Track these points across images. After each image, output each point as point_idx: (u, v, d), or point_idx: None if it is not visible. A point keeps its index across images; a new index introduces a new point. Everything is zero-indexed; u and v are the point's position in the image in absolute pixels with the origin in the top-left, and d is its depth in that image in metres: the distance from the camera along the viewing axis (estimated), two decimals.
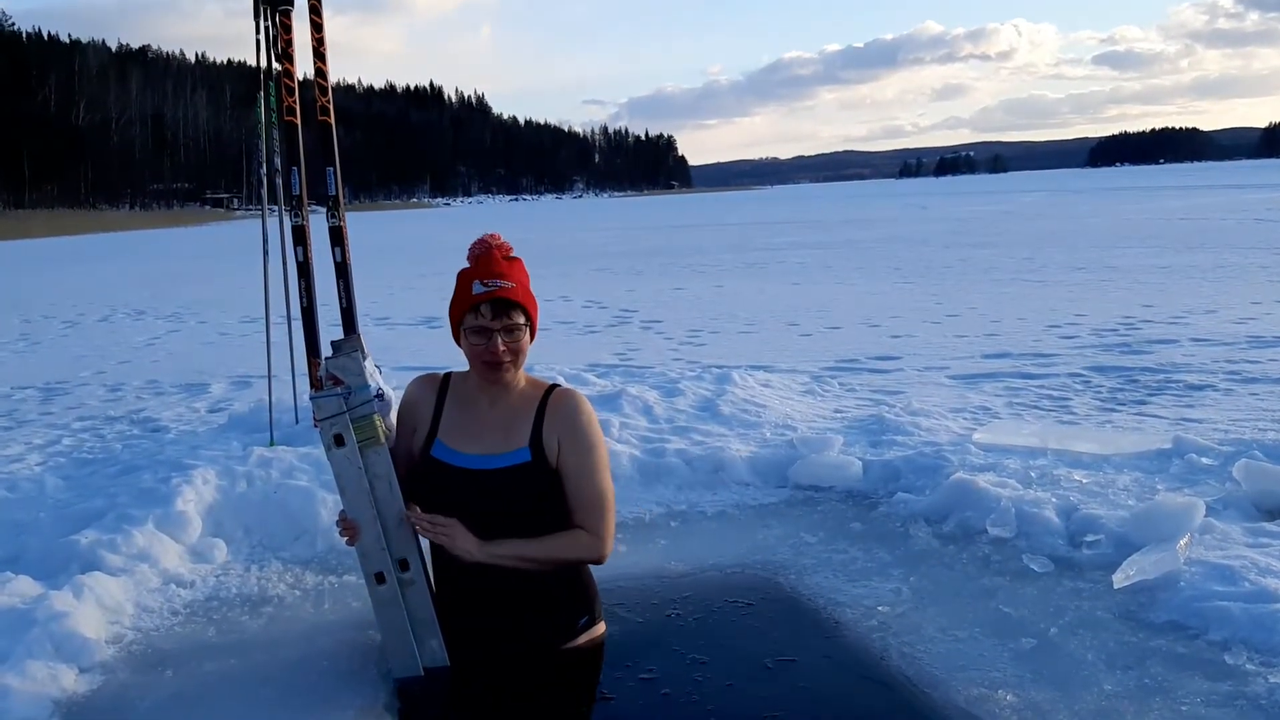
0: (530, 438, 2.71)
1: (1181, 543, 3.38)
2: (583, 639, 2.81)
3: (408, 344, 9.92)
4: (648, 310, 12.23)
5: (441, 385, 2.85)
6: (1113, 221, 27.34)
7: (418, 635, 2.74)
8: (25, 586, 3.39)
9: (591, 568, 2.88)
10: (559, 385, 2.83)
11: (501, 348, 2.67)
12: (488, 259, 2.72)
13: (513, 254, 2.77)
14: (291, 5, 5.12)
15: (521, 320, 2.70)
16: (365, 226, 45.08)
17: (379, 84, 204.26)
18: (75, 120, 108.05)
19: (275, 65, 5.13)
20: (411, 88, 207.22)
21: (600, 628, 2.87)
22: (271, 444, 4.91)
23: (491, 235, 2.78)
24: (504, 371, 2.70)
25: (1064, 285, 12.88)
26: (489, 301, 2.66)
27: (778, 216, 44.22)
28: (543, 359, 7.89)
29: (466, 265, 2.74)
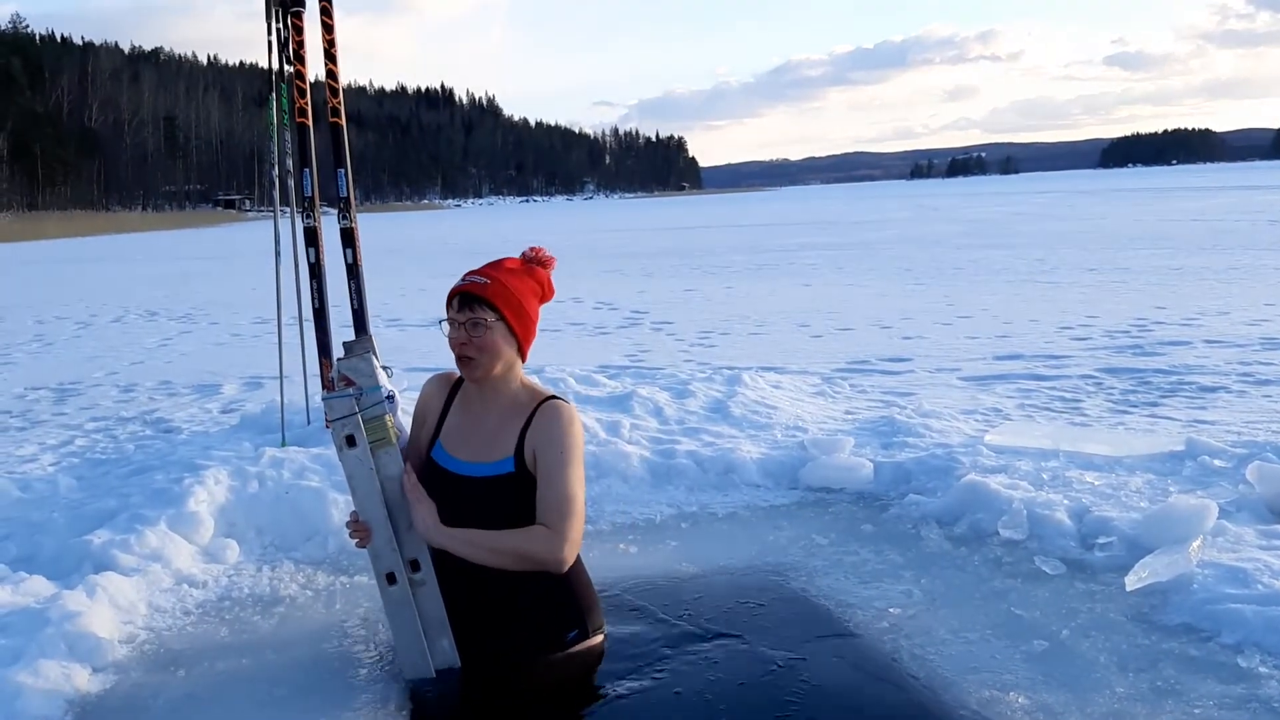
0: (515, 448, 2.70)
1: (1194, 545, 3.36)
2: (571, 652, 2.75)
3: (419, 345, 9.92)
4: (659, 311, 12.22)
5: (453, 386, 2.88)
6: (1125, 223, 27.25)
7: (429, 636, 2.75)
8: (39, 586, 3.42)
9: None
10: (554, 397, 2.78)
11: (464, 340, 2.68)
12: (495, 261, 2.79)
13: (543, 261, 2.83)
14: (303, 7, 5.13)
15: (489, 317, 2.67)
16: (376, 228, 45.21)
17: (390, 85, 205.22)
18: (88, 122, 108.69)
19: (287, 67, 5.15)
20: (422, 89, 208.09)
21: (596, 640, 2.80)
22: (283, 445, 4.93)
23: (537, 248, 2.85)
24: (472, 369, 2.70)
25: (1076, 286, 12.83)
26: (458, 294, 2.71)
27: (788, 218, 44.19)
28: (554, 360, 7.90)
29: None
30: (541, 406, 2.73)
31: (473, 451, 2.74)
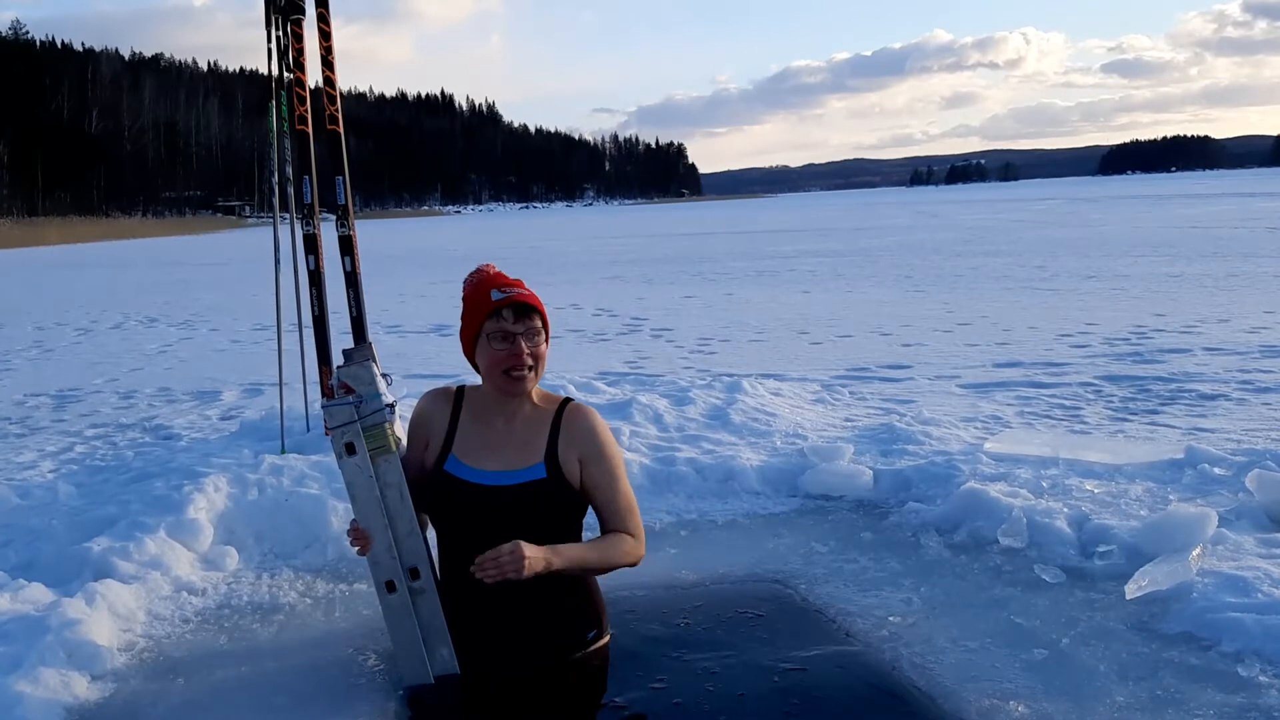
0: (545, 453, 2.73)
1: (1194, 553, 3.36)
2: (590, 651, 2.81)
3: (419, 351, 9.94)
4: (658, 318, 12.23)
5: (456, 399, 2.86)
6: (1124, 230, 27.27)
7: (428, 643, 2.74)
8: (38, 594, 3.41)
9: (599, 578, 2.89)
10: (571, 400, 2.86)
11: (525, 351, 2.70)
12: (496, 274, 2.79)
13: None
14: (303, 14, 5.14)
15: (540, 325, 2.75)
16: (377, 234, 45.24)
17: (390, 92, 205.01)
18: (88, 128, 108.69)
19: (287, 74, 5.15)
20: (423, 96, 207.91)
21: (607, 639, 2.87)
22: (283, 452, 4.92)
23: (488, 265, 2.85)
24: (525, 380, 2.72)
25: (1076, 294, 12.84)
26: (511, 305, 2.69)
27: (788, 224, 44.22)
28: (553, 367, 7.86)
29: (471, 289, 2.79)
30: (566, 411, 2.80)
31: (499, 460, 2.74)
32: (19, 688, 2.71)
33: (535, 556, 2.57)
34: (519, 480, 2.71)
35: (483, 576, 2.54)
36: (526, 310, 2.71)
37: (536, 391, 2.82)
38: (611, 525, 2.79)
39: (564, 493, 2.73)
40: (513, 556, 2.53)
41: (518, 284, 2.76)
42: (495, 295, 2.69)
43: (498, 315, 2.69)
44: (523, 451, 2.74)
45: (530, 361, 2.71)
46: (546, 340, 2.79)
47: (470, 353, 2.79)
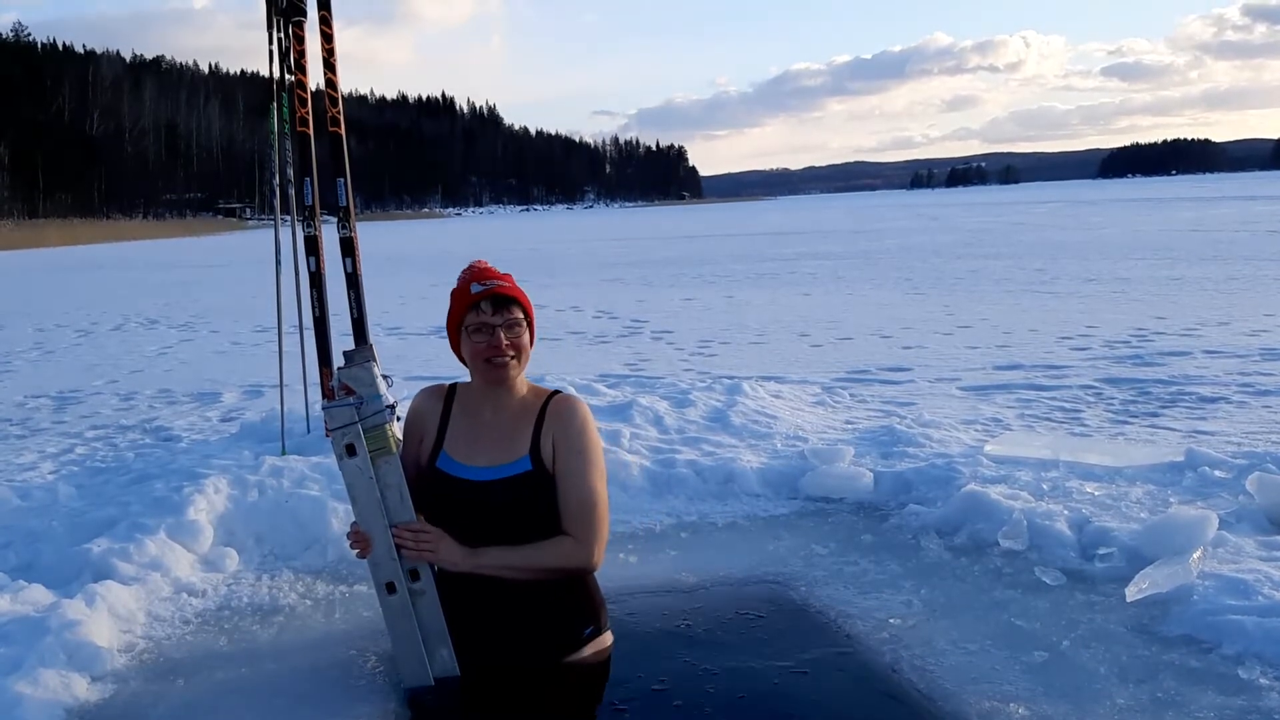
0: (530, 446, 2.74)
1: (1194, 556, 3.36)
2: (588, 650, 2.80)
3: (419, 353, 9.93)
4: (658, 321, 12.22)
5: (447, 396, 2.88)
6: (1125, 233, 27.28)
7: (428, 645, 2.75)
8: (38, 595, 3.42)
9: (600, 579, 2.88)
10: (559, 392, 2.86)
11: (505, 342, 2.71)
12: (481, 269, 2.81)
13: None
14: (304, 17, 5.14)
15: (520, 316, 2.76)
16: (377, 236, 45.24)
17: (391, 94, 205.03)
18: (89, 130, 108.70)
19: (288, 76, 5.16)
20: (423, 98, 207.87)
21: (607, 638, 2.87)
22: (283, 453, 4.92)
23: (478, 261, 2.87)
24: (507, 369, 2.73)
25: (1076, 296, 12.85)
26: (489, 298, 2.72)
27: (788, 226, 44.22)
28: (554, 369, 7.91)
29: (456, 284, 2.82)
30: (551, 402, 2.80)
31: (487, 455, 2.75)
32: (19, 689, 2.72)
33: (453, 551, 2.66)
34: (506, 474, 2.72)
35: (399, 543, 2.66)
36: (505, 302, 2.73)
37: (526, 385, 2.83)
38: (563, 523, 2.72)
39: (550, 485, 2.73)
40: (432, 544, 2.67)
41: (502, 278, 2.78)
42: (475, 289, 2.73)
43: (476, 308, 2.73)
44: (509, 445, 2.75)
45: (511, 351, 2.72)
46: (530, 331, 2.79)
47: (456, 347, 2.82)
